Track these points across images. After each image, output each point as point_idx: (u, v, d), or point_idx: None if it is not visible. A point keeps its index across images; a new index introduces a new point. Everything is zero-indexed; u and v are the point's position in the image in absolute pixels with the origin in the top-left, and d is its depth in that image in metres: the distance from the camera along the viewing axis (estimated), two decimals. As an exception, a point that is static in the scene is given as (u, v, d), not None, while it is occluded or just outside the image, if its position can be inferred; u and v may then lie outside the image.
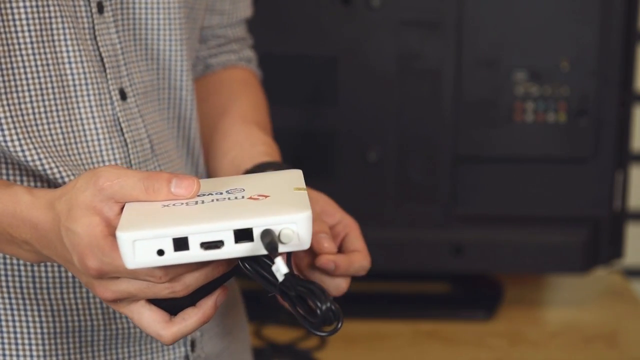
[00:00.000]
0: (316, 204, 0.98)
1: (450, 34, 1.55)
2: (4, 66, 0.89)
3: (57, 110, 0.91)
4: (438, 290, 1.75)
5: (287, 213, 0.72)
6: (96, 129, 0.93)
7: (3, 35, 0.88)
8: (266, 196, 0.76)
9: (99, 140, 0.93)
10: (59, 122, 0.91)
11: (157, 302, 0.78)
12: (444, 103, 1.57)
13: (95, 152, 0.93)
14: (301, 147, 1.59)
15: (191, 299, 0.78)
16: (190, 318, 0.78)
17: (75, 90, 0.92)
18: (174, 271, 0.74)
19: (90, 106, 0.93)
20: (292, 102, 1.58)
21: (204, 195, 0.77)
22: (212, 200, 0.76)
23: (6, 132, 0.89)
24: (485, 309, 1.66)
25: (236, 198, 0.76)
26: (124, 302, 0.78)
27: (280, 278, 0.72)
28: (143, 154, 0.97)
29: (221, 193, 0.78)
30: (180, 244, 0.72)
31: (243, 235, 0.72)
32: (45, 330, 0.94)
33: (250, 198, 0.76)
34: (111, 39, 0.95)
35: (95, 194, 0.76)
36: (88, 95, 0.93)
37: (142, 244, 0.72)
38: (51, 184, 0.91)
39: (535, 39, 1.56)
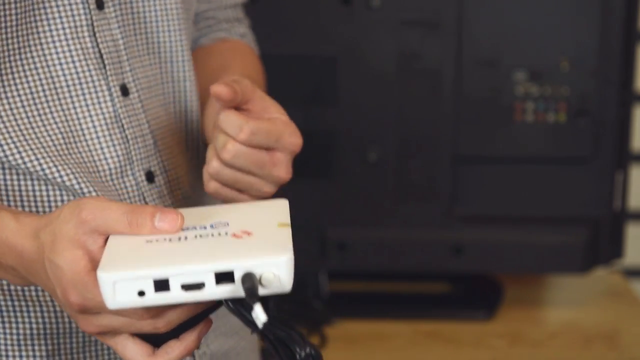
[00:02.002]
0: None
1: (450, 34, 1.55)
2: None
3: (51, 112, 0.91)
4: (438, 290, 1.75)
5: (268, 256, 0.72)
6: (94, 126, 0.93)
7: None
8: (249, 233, 0.75)
9: (98, 137, 0.93)
10: (55, 122, 0.91)
11: (141, 335, 0.77)
12: (443, 103, 1.57)
13: (96, 149, 0.93)
14: (301, 147, 1.58)
15: (175, 332, 0.77)
16: (173, 352, 0.78)
17: (69, 90, 0.92)
18: (156, 309, 0.74)
19: (87, 104, 0.93)
20: (292, 102, 1.57)
21: (188, 229, 0.77)
22: (196, 237, 0.75)
23: (1, 139, 0.89)
24: (485, 309, 1.66)
25: (219, 234, 0.75)
26: (108, 334, 0.78)
27: (260, 325, 0.71)
28: (145, 150, 0.96)
29: (205, 228, 0.77)
30: (161, 285, 0.72)
31: (224, 277, 0.72)
32: (48, 331, 0.94)
33: (234, 235, 0.75)
34: (112, 34, 0.94)
35: (78, 226, 0.75)
36: (83, 93, 0.92)
37: (122, 285, 0.71)
38: (51, 184, 0.91)
39: (535, 39, 1.56)
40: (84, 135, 0.93)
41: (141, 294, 0.72)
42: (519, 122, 1.57)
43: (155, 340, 0.78)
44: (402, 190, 1.60)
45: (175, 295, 0.72)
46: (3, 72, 0.89)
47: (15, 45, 0.89)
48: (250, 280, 0.71)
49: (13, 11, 0.88)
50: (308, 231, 1.61)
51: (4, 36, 0.88)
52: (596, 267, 1.64)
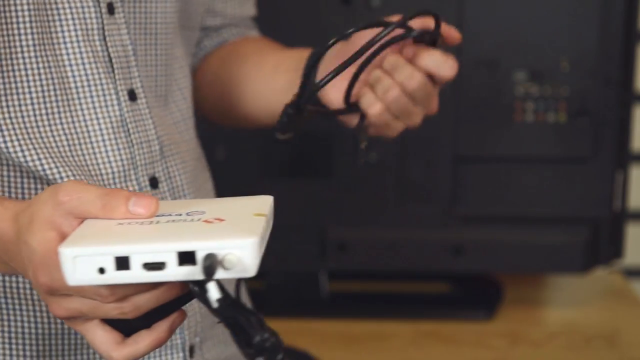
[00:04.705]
0: None
1: (450, 34, 1.55)
2: (4, 68, 0.89)
3: (59, 112, 0.91)
4: (438, 290, 1.75)
5: (231, 238, 0.70)
6: (100, 130, 0.93)
7: (4, 38, 0.88)
8: (222, 220, 0.74)
9: (103, 141, 0.93)
10: (62, 123, 0.91)
11: (112, 323, 0.76)
12: (444, 103, 1.57)
13: (101, 152, 0.93)
14: (301, 147, 1.59)
15: (147, 321, 0.76)
16: (142, 341, 0.77)
17: (77, 92, 0.92)
18: (122, 291, 0.73)
19: (94, 107, 0.93)
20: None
21: (162, 215, 0.76)
22: (168, 222, 0.74)
23: (6, 135, 0.89)
24: (485, 309, 1.66)
25: (192, 220, 0.75)
26: (78, 320, 0.77)
27: (214, 304, 0.70)
28: (150, 155, 0.96)
29: (180, 215, 0.76)
30: (122, 263, 0.70)
31: (187, 258, 0.70)
32: (40, 332, 0.94)
33: (205, 221, 0.74)
34: (122, 40, 0.95)
35: (55, 208, 0.75)
36: (92, 96, 0.93)
37: (82, 261, 0.70)
38: (52, 184, 0.91)
39: (535, 39, 1.56)
40: (89, 137, 0.93)
41: (101, 271, 0.70)
42: (519, 122, 1.57)
43: (128, 330, 0.77)
44: (402, 190, 1.59)
45: (136, 274, 0.71)
46: (16, 67, 0.89)
47: (30, 42, 0.89)
48: (210, 260, 0.69)
49: (25, 7, 0.88)
50: (308, 231, 1.61)
51: (16, 32, 0.89)
52: (596, 267, 1.64)
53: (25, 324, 0.93)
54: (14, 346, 0.94)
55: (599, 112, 1.57)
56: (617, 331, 1.64)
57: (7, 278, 0.93)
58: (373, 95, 0.97)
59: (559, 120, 1.57)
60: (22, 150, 0.89)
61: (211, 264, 0.69)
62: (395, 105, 0.97)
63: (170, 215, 0.76)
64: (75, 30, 0.91)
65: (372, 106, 0.98)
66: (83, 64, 0.92)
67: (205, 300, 0.71)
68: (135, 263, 0.70)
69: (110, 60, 0.94)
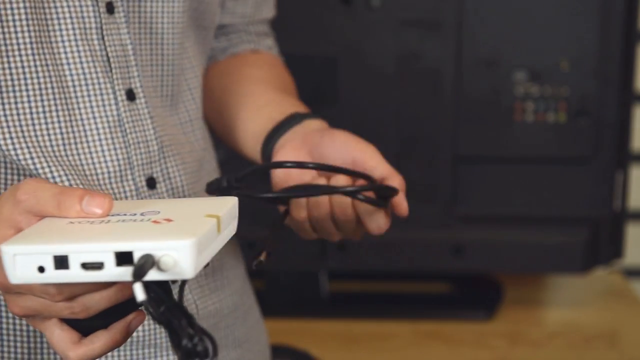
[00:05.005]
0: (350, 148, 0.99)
1: (450, 34, 1.55)
2: (1, 66, 0.89)
3: (56, 111, 0.91)
4: (438, 290, 1.75)
5: (168, 239, 0.69)
6: (97, 129, 0.93)
7: (1, 36, 0.88)
8: (170, 220, 0.74)
9: (100, 140, 0.93)
10: (59, 122, 0.91)
11: (71, 322, 0.76)
12: (444, 103, 1.57)
13: (97, 152, 0.93)
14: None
15: (104, 321, 0.76)
16: (98, 341, 0.76)
17: (75, 91, 0.92)
18: (69, 290, 0.73)
19: (91, 106, 0.93)
20: (292, 102, 1.58)
21: (116, 215, 0.75)
22: (118, 221, 0.74)
23: (0, 134, 0.89)
24: (485, 309, 1.66)
25: (142, 220, 0.74)
26: (37, 318, 0.77)
27: (141, 305, 0.69)
28: (147, 155, 0.96)
29: (135, 214, 0.76)
30: (61, 262, 0.70)
31: (124, 258, 0.70)
32: (31, 329, 0.94)
33: (154, 222, 0.73)
34: (121, 39, 0.94)
35: (14, 206, 0.75)
36: (89, 95, 0.92)
37: (22, 259, 0.70)
38: None
39: (535, 39, 1.56)
40: (85, 136, 0.93)
41: (41, 269, 0.70)
42: (519, 122, 1.57)
43: (87, 330, 0.76)
44: (402, 190, 1.59)
45: (74, 273, 0.70)
46: (13, 65, 0.89)
47: (27, 40, 0.89)
48: (142, 261, 0.69)
49: (22, 4, 0.88)
50: (308, 231, 1.61)
51: (12, 29, 0.88)
52: (596, 267, 1.64)
53: (17, 321, 0.93)
54: (5, 342, 0.94)
55: (599, 112, 1.57)
56: (617, 331, 1.64)
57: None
58: (304, 202, 0.96)
59: (559, 120, 1.57)
60: (16, 149, 0.89)
61: (142, 265, 0.68)
62: (318, 222, 0.97)
63: (124, 215, 0.76)
64: (74, 29, 0.91)
65: (298, 211, 0.97)
66: (81, 62, 0.92)
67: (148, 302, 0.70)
68: (74, 262, 0.70)
69: (108, 60, 0.94)
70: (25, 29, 0.89)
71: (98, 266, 0.70)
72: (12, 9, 0.88)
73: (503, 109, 1.57)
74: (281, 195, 0.94)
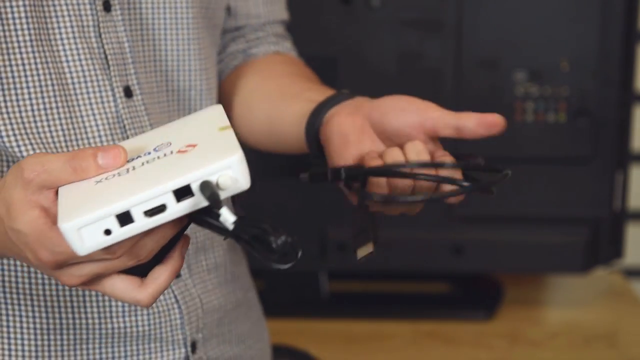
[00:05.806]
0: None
1: (450, 34, 1.55)
2: (2, 64, 0.89)
3: (57, 108, 0.91)
4: (438, 290, 1.75)
5: (217, 160, 0.71)
6: (97, 126, 0.93)
7: (1, 34, 0.89)
8: (194, 145, 0.75)
9: (100, 136, 0.94)
10: (59, 119, 0.92)
11: (125, 271, 0.77)
12: (444, 103, 1.56)
13: None
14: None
15: (155, 258, 0.77)
16: (161, 276, 0.77)
17: (74, 88, 0.92)
18: (129, 242, 0.73)
19: (91, 103, 0.93)
20: (292, 102, 1.58)
21: (133, 160, 0.76)
22: (143, 164, 0.75)
23: (2, 129, 0.89)
24: (485, 309, 1.66)
25: (165, 155, 0.75)
26: (94, 281, 0.77)
27: (230, 227, 0.71)
28: None
29: (149, 153, 0.76)
30: (125, 218, 0.71)
31: (183, 192, 0.71)
32: (38, 327, 0.94)
33: (179, 152, 0.75)
34: (118, 37, 0.95)
35: (25, 188, 0.74)
36: (88, 92, 0.93)
37: (87, 230, 0.71)
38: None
39: (535, 39, 1.56)
40: (85, 133, 0.93)
41: (107, 232, 0.71)
42: (519, 122, 1.57)
43: (140, 272, 0.77)
44: (402, 190, 1.59)
45: (141, 224, 0.71)
46: (13, 62, 0.89)
47: (27, 38, 0.89)
48: (208, 188, 0.70)
49: (21, 2, 0.88)
50: (308, 231, 1.61)
51: (12, 27, 0.89)
52: (596, 267, 1.64)
53: (24, 319, 0.94)
54: (12, 341, 0.94)
55: (599, 112, 1.57)
56: (617, 331, 1.64)
57: (5, 273, 0.94)
58: (384, 180, 0.94)
59: (559, 120, 1.57)
60: (19, 145, 0.90)
61: (212, 191, 0.70)
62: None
63: (140, 157, 0.76)
64: (72, 26, 0.92)
65: (379, 190, 0.94)
66: (79, 60, 0.92)
67: (217, 228, 0.72)
68: (137, 214, 0.71)
69: (106, 57, 0.94)
70: (25, 26, 0.89)
71: (161, 209, 0.71)
72: (11, 7, 0.88)
73: (503, 109, 1.57)
74: (417, 200, 0.92)
